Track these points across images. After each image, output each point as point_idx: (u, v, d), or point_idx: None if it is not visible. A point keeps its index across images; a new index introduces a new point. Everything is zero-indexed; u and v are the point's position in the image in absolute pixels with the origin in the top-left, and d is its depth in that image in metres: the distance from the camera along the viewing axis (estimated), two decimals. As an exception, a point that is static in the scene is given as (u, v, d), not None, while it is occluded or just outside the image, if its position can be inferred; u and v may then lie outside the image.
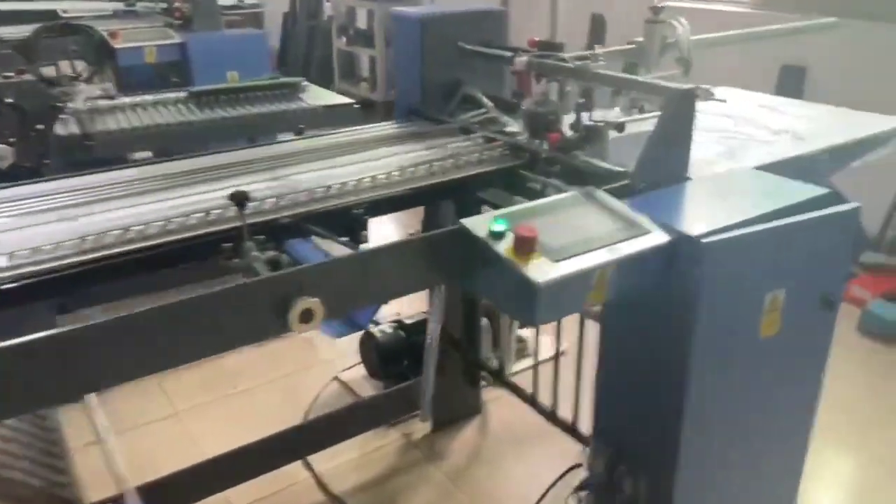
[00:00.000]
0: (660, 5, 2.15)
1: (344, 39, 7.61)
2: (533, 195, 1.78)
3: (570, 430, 2.31)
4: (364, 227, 1.57)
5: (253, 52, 4.25)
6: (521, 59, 2.01)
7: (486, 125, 2.10)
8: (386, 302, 1.45)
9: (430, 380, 2.51)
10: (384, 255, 1.38)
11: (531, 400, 2.49)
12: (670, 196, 1.64)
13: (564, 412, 2.41)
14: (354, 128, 2.12)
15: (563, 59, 1.97)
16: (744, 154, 2.09)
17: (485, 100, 2.15)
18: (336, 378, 3.03)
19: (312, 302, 1.24)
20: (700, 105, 2.11)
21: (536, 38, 2.11)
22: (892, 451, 2.73)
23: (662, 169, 1.69)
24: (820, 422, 1.84)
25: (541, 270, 1.30)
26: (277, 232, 1.47)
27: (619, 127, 1.87)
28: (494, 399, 2.91)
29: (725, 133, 2.30)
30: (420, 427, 2.64)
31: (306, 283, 1.25)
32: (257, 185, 1.62)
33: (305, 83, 3.59)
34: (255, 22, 10.17)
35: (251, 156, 1.86)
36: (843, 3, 3.92)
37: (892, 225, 3.77)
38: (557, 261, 1.33)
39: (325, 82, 8.13)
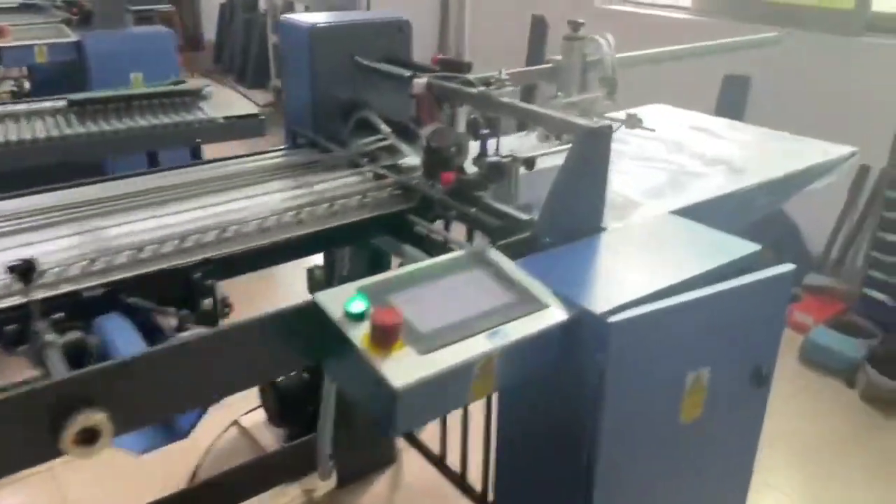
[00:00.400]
0: (579, 21, 1.90)
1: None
2: (427, 244, 1.52)
3: (481, 500, 2.07)
4: (208, 293, 1.28)
5: (160, 51, 3.89)
6: (419, 81, 1.74)
7: (382, 155, 1.83)
8: (217, 402, 1.16)
9: (326, 431, 2.24)
10: (214, 342, 1.10)
11: (438, 461, 2.23)
12: (577, 255, 1.39)
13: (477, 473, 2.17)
14: (226, 160, 1.82)
15: (469, 82, 1.71)
16: (673, 190, 1.86)
17: (382, 125, 1.88)
18: (236, 422, 2.74)
19: (97, 419, 0.95)
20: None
21: (441, 55, 1.85)
22: (830, 494, 2.55)
23: (571, 219, 1.44)
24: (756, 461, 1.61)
25: (402, 369, 1.03)
26: (85, 307, 1.17)
27: (529, 163, 1.62)
28: (410, 447, 2.65)
29: (655, 162, 2.06)
30: (323, 483, 2.36)
31: (91, 389, 0.96)
32: (64, 242, 1.31)
33: (210, 89, 3.26)
34: (193, 15, 9.76)
35: (68, 199, 1.53)
36: (786, 14, 3.75)
37: (837, 245, 3.61)
38: (426, 352, 1.07)
39: (263, 79, 7.75)
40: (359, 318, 1.10)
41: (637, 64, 2.12)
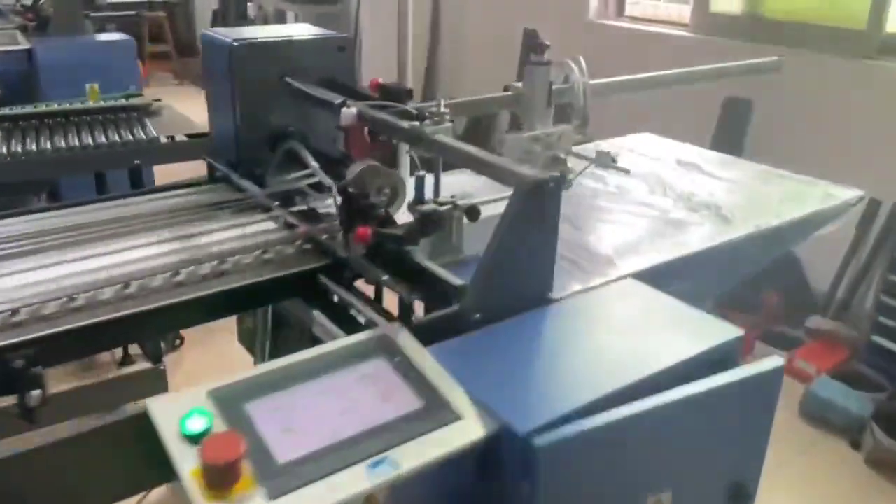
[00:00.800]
0: (545, 42, 1.63)
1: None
2: (340, 313, 1.25)
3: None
4: (37, 384, 1.01)
5: (120, 61, 3.63)
6: (348, 111, 1.48)
7: (299, 198, 1.56)
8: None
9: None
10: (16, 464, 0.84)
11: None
12: (512, 341, 1.12)
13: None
14: (119, 198, 1.55)
15: (407, 113, 1.44)
16: (651, 243, 1.59)
17: (310, 160, 1.60)
18: None
19: None
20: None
21: (380, 80, 1.58)
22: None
23: (509, 290, 1.17)
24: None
25: (237, 522, 0.76)
26: None
27: (472, 213, 1.35)
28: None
29: (633, 206, 1.79)
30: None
31: None
32: None
33: (160, 103, 3.02)
34: (186, 21, 9.54)
35: None
36: (792, 34, 3.47)
37: (844, 285, 3.32)
38: (277, 496, 0.79)
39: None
40: (196, 440, 0.82)
41: (614, 92, 1.85)
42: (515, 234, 1.13)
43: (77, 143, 2.53)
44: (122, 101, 2.89)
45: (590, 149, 1.75)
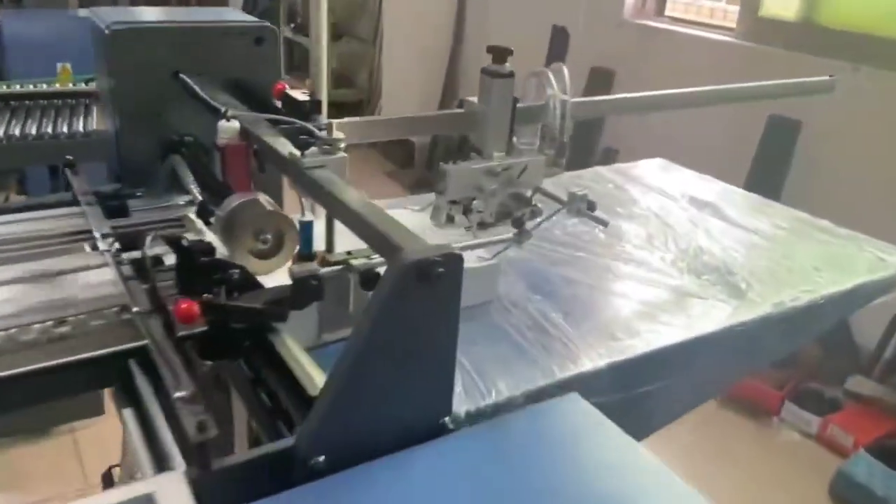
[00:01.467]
0: (505, 48, 1.23)
1: (292, 26, 6.67)
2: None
3: None
4: None
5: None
6: (228, 126, 1.11)
7: (179, 228, 1.20)
8: None
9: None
10: None
11: None
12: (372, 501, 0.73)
13: None
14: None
15: (305, 131, 1.06)
16: (631, 321, 1.19)
17: (191, 185, 1.24)
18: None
19: None
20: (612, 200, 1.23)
21: (283, 85, 1.21)
22: None
23: (376, 418, 0.78)
24: None
25: None
26: None
27: (367, 281, 0.99)
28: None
29: (622, 262, 1.39)
30: None
31: None
32: None
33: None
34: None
35: None
36: (854, 46, 2.99)
37: (893, 344, 2.84)
38: None
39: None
40: None
41: (604, 113, 1.45)
42: (384, 338, 0.75)
43: (34, 131, 2.25)
44: (65, 88, 2.58)
45: (552, 192, 1.34)
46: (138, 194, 1.34)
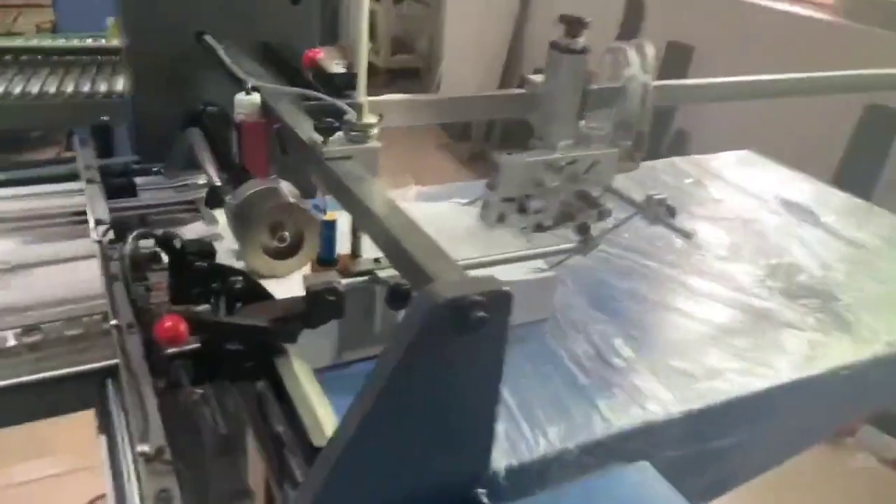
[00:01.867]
0: (583, 18, 1.02)
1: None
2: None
3: None
4: None
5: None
6: (246, 101, 0.94)
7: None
8: None
9: None
10: None
11: None
12: None
13: None
14: None
15: (336, 111, 0.89)
16: (709, 356, 0.99)
17: (207, 163, 1.09)
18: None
19: None
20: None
21: (318, 53, 1.03)
22: None
23: (388, 487, 0.62)
24: None
25: None
26: None
27: (396, 296, 0.82)
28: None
29: (698, 277, 1.19)
30: None
31: None
32: None
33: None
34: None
35: None
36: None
37: None
38: None
39: (331, 39, 6.98)
40: None
41: (695, 100, 1.23)
42: (405, 391, 0.58)
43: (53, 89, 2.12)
44: (87, 45, 2.45)
45: (642, 174, 1.15)
46: (155, 169, 1.19)
